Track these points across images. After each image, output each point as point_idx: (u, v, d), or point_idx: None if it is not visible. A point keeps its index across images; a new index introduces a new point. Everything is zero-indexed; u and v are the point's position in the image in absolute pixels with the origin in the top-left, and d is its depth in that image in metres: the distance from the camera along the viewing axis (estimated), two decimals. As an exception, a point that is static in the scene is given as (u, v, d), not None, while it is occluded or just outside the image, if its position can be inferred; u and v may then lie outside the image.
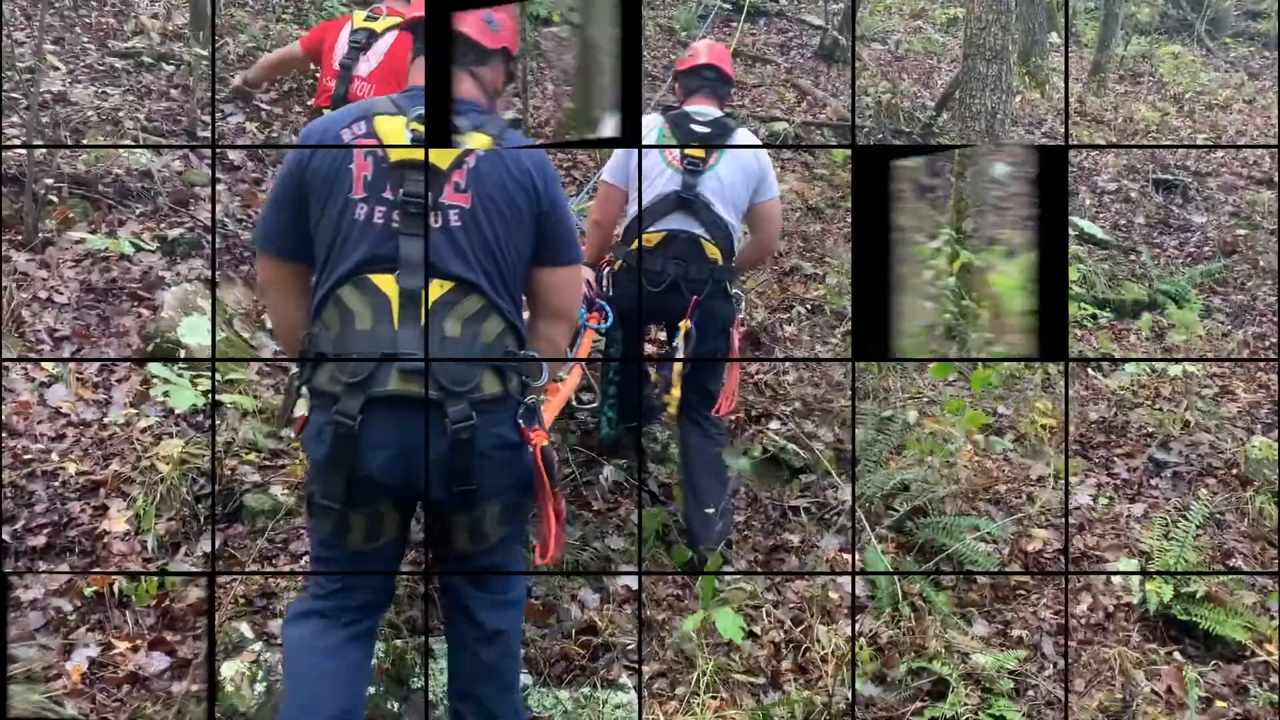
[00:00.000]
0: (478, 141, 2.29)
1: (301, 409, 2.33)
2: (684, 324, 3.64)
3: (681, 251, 3.67)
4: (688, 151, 3.68)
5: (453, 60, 2.38)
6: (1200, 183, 9.79)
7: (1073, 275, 6.25)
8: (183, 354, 3.99)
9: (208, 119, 6.46)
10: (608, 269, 3.83)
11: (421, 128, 2.26)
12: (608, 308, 3.79)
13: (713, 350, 3.77)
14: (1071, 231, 7.86)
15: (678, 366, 3.62)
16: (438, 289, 2.22)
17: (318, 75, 4.47)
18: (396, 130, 2.27)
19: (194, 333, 4.13)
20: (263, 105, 6.68)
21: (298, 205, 2.32)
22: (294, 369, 2.37)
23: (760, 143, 3.97)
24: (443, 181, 2.25)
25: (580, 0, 8.31)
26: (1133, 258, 7.90)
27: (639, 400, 4.09)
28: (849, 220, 6.96)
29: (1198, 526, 3.96)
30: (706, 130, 3.71)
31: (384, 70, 4.05)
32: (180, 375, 3.78)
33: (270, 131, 6.58)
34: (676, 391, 3.61)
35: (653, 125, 3.75)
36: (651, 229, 3.66)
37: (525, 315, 2.51)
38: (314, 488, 2.30)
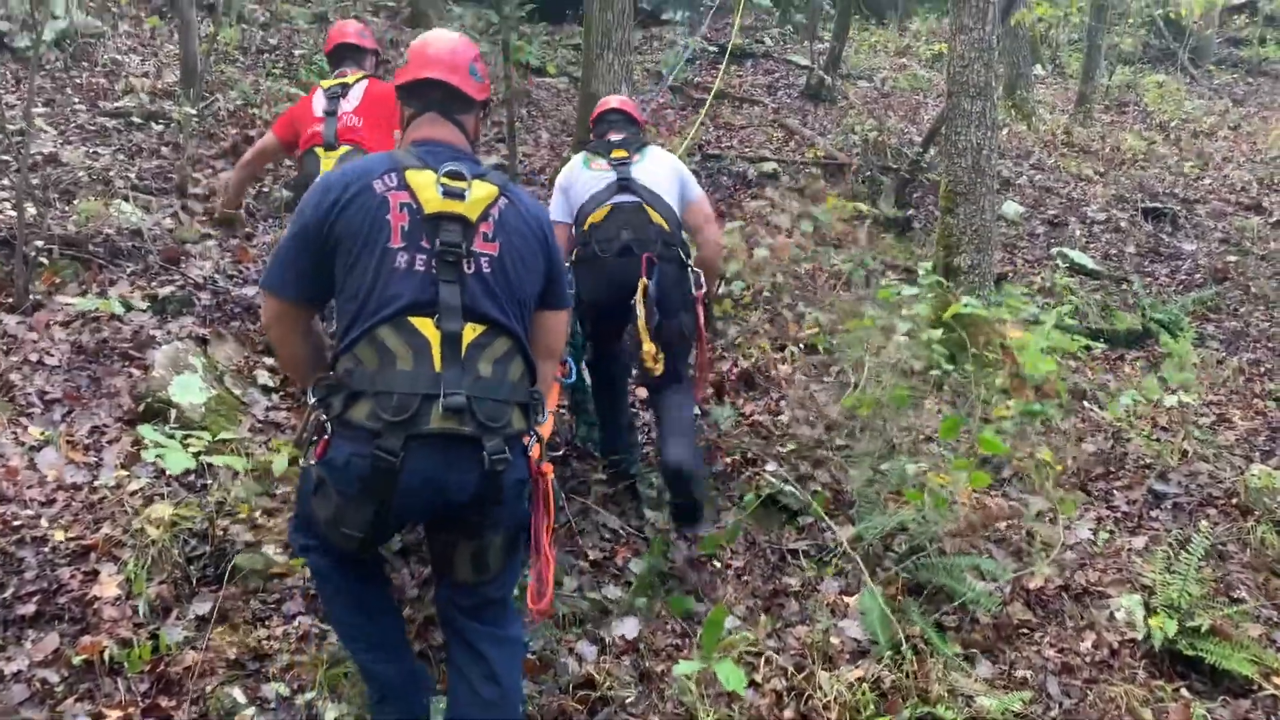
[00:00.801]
0: (484, 190, 2.46)
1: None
2: (642, 281, 3.87)
3: (629, 218, 3.99)
4: (613, 155, 4.13)
5: (441, 112, 2.61)
6: (1189, 210, 9.84)
7: (1065, 308, 6.26)
8: (174, 413, 3.97)
9: (199, 175, 6.49)
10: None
11: (450, 181, 2.42)
12: (570, 361, 4.03)
13: (679, 325, 4.00)
14: (1062, 263, 7.88)
15: (641, 321, 3.85)
16: (471, 332, 2.37)
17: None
18: (428, 183, 2.42)
19: (185, 391, 4.11)
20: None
21: (322, 253, 2.42)
22: (312, 398, 2.46)
23: (675, 158, 4.32)
24: (473, 231, 2.43)
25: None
26: (1124, 287, 7.92)
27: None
28: (840, 261, 6.99)
29: (1200, 559, 3.93)
30: (622, 139, 4.23)
31: (366, 105, 4.53)
32: (171, 437, 3.75)
33: (260, 185, 6.61)
34: (649, 345, 3.86)
35: (575, 159, 4.26)
36: (598, 207, 4.03)
37: None
38: (329, 513, 2.40)
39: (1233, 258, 8.58)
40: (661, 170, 4.14)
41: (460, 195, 2.42)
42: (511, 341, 2.44)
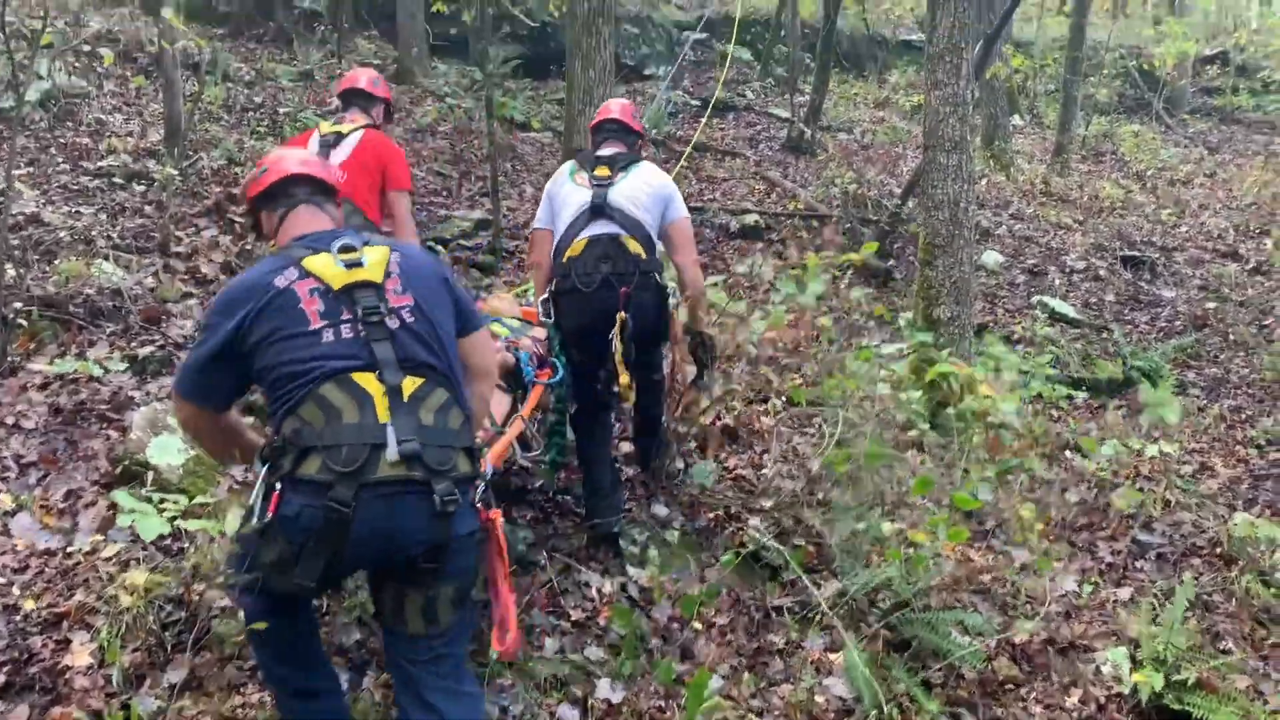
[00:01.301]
0: (378, 253, 2.61)
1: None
2: (620, 316, 3.96)
3: (605, 250, 4.05)
4: (595, 173, 4.18)
5: (313, 204, 2.81)
6: (1167, 257, 9.94)
7: (1044, 359, 6.29)
8: (152, 476, 3.94)
9: (181, 234, 6.50)
10: (547, 297, 4.23)
11: (345, 255, 2.56)
12: (558, 364, 4.19)
13: (653, 330, 4.17)
14: (1042, 312, 7.93)
15: (618, 355, 3.95)
16: (411, 384, 2.46)
17: None
18: (327, 263, 2.55)
19: (163, 453, 4.07)
20: (236, 219, 6.72)
21: (237, 363, 2.51)
22: (260, 468, 2.52)
23: (664, 176, 4.35)
24: (383, 290, 2.54)
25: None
26: (1105, 335, 7.97)
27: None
28: (822, 313, 7.01)
29: (1185, 610, 3.91)
30: (610, 154, 4.27)
31: (354, 161, 4.43)
32: (149, 500, 3.71)
33: (245, 242, 6.62)
34: (625, 377, 3.98)
35: (564, 167, 4.35)
36: (576, 238, 4.09)
37: None
38: (274, 558, 2.42)
39: (1211, 304, 8.66)
40: (642, 189, 4.16)
41: (359, 263, 2.55)
42: (449, 393, 2.53)
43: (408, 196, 4.63)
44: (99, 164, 7.24)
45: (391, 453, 2.36)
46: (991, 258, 9.13)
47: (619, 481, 4.52)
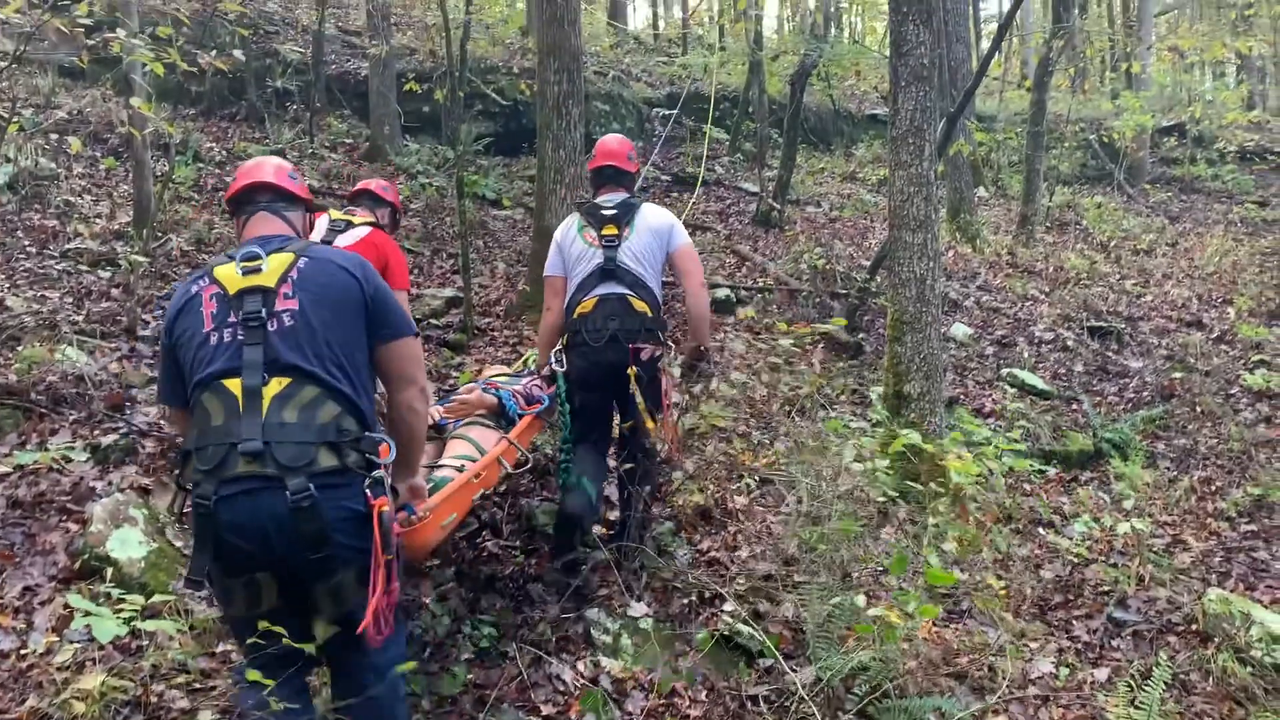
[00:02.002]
0: (281, 259, 2.79)
1: None
2: (631, 370, 4.34)
3: (613, 309, 4.48)
4: (603, 232, 4.56)
5: (269, 210, 3.02)
6: (1133, 328, 10.06)
7: (1014, 434, 6.31)
8: (111, 571, 3.85)
9: (148, 317, 6.46)
10: (560, 348, 4.62)
11: (247, 263, 2.77)
12: (545, 398, 4.72)
13: (652, 379, 4.51)
14: (1011, 385, 7.98)
15: (641, 406, 4.35)
16: (277, 385, 2.64)
17: None
18: (230, 270, 2.78)
19: (124, 547, 4.00)
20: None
21: (175, 361, 2.80)
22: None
23: (663, 214, 4.72)
24: (274, 295, 2.73)
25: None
26: (1075, 407, 8.02)
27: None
28: (795, 387, 7.02)
29: (1163, 691, 3.88)
30: (614, 211, 4.61)
31: (355, 248, 4.58)
32: (109, 596, 3.63)
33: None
34: (650, 423, 4.39)
35: (571, 220, 4.74)
36: (586, 297, 4.51)
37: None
38: (190, 563, 2.67)
39: (1178, 374, 8.74)
40: (649, 240, 4.56)
41: (258, 270, 2.75)
42: (319, 389, 2.67)
43: (405, 295, 4.83)
44: (66, 246, 7.21)
45: (243, 450, 2.55)
46: (960, 330, 9.21)
47: (598, 496, 4.72)
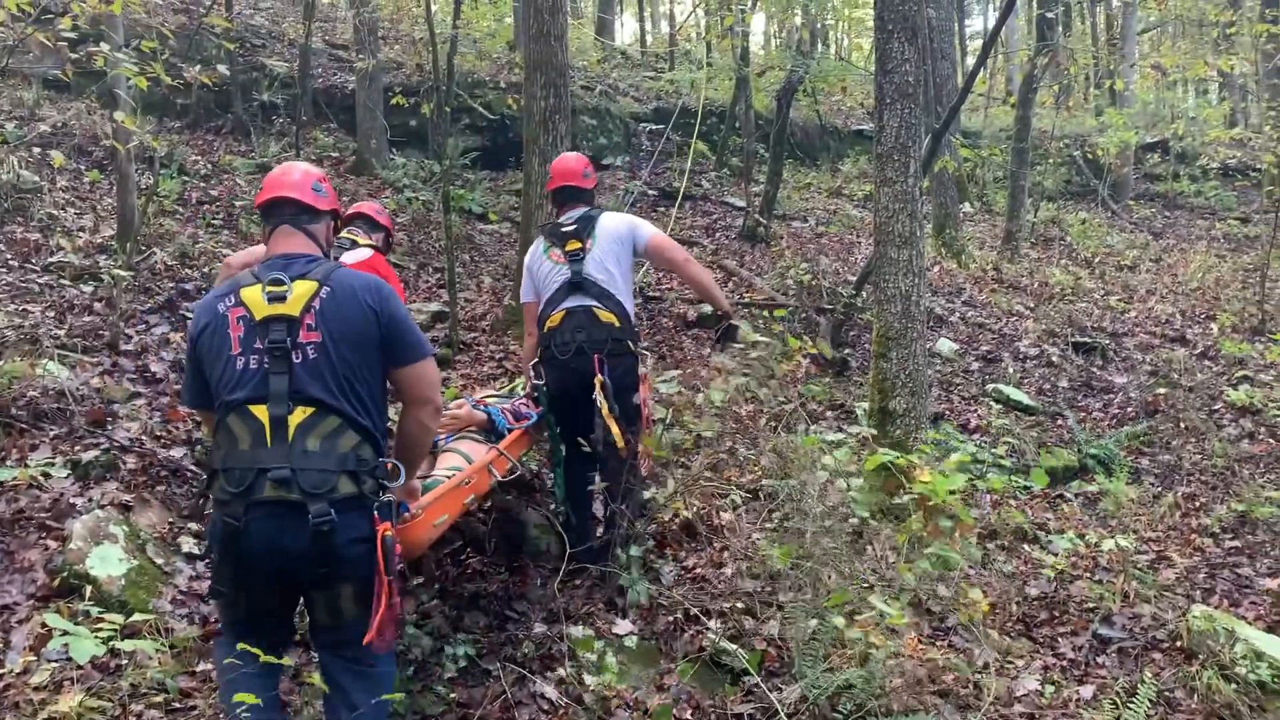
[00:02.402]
0: (305, 287, 2.90)
1: None
2: (598, 378, 4.51)
3: (581, 321, 4.63)
4: (567, 248, 4.71)
5: (292, 224, 3.10)
6: (1117, 343, 10.10)
7: (1000, 450, 6.31)
8: (91, 589, 3.81)
9: (131, 331, 6.42)
10: (536, 361, 4.80)
11: (274, 288, 2.88)
12: (533, 415, 4.88)
13: (625, 389, 4.61)
14: (996, 401, 8.00)
15: (604, 411, 4.48)
16: (301, 414, 2.81)
17: None
18: (257, 294, 2.90)
19: (104, 564, 3.97)
20: (188, 314, 6.65)
21: (200, 372, 2.98)
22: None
23: (620, 217, 4.90)
24: (298, 326, 2.86)
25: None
26: (1060, 423, 8.04)
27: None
28: (780, 403, 7.02)
29: (1147, 709, 3.88)
30: (574, 226, 4.77)
31: (360, 268, 4.61)
32: (87, 614, 3.60)
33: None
34: (615, 427, 4.47)
35: (537, 244, 4.90)
36: (554, 311, 4.68)
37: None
38: (212, 573, 2.90)
39: (1162, 390, 8.77)
40: (611, 247, 4.72)
41: (283, 298, 2.87)
42: (340, 419, 2.84)
43: None
44: (48, 260, 7.16)
45: (272, 476, 2.74)
46: (946, 345, 9.23)
47: (592, 520, 5.02)
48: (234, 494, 2.76)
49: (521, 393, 5.33)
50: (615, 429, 4.47)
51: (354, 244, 4.90)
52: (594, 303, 4.64)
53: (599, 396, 4.49)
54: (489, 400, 5.17)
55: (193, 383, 3.05)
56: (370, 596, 2.88)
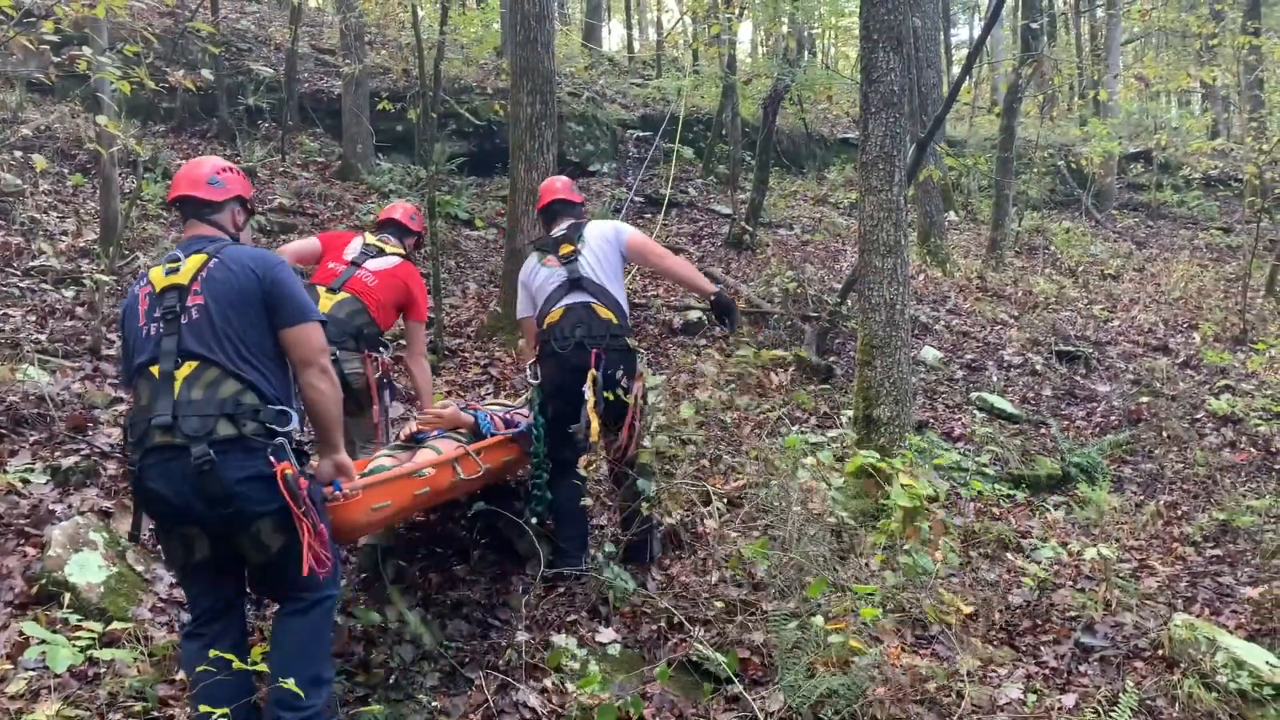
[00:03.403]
0: (195, 260, 3.22)
1: None
2: (591, 373, 4.60)
3: (580, 316, 4.75)
4: (561, 252, 4.89)
5: (195, 216, 3.41)
6: (1101, 352, 10.15)
7: (984, 458, 6.33)
8: (69, 596, 3.78)
9: (113, 336, 6.37)
10: (534, 359, 4.93)
11: (171, 264, 3.24)
12: (524, 424, 4.90)
13: (618, 383, 4.67)
14: (980, 409, 8.02)
15: (590, 405, 4.55)
16: (187, 369, 3.09)
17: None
18: (159, 272, 3.26)
19: (83, 571, 3.93)
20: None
21: (126, 345, 3.29)
22: None
23: (607, 221, 5.12)
24: (187, 292, 3.17)
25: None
26: (1043, 431, 8.07)
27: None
28: (764, 411, 7.03)
29: (1130, 716, 3.89)
30: (564, 232, 4.98)
31: (389, 276, 4.94)
32: (66, 622, 3.57)
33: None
34: (596, 424, 4.54)
35: (531, 258, 5.07)
36: (554, 307, 4.80)
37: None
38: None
39: (1145, 399, 8.81)
40: (601, 246, 4.90)
41: (176, 270, 3.21)
42: (219, 370, 3.09)
43: (423, 327, 5.14)
44: (30, 264, 7.11)
45: (155, 423, 3.01)
46: (930, 354, 9.25)
47: (585, 529, 5.01)
48: (133, 444, 3.09)
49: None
50: (595, 423, 4.54)
51: (380, 251, 4.97)
52: (593, 299, 4.77)
53: (587, 389, 4.58)
54: (492, 408, 5.12)
55: (125, 362, 3.32)
56: (290, 527, 3.10)
